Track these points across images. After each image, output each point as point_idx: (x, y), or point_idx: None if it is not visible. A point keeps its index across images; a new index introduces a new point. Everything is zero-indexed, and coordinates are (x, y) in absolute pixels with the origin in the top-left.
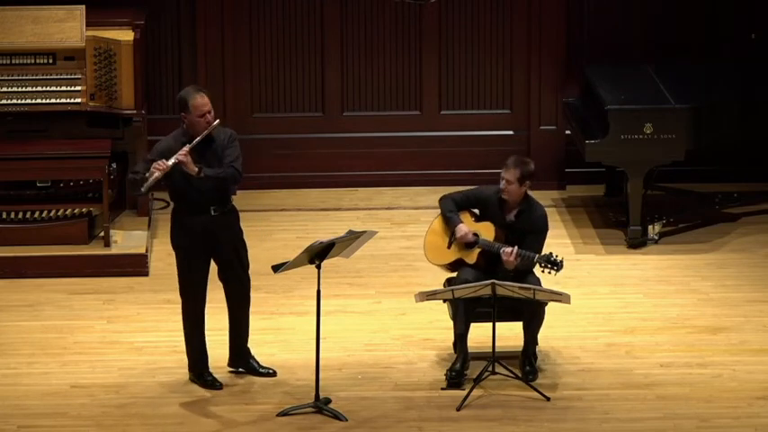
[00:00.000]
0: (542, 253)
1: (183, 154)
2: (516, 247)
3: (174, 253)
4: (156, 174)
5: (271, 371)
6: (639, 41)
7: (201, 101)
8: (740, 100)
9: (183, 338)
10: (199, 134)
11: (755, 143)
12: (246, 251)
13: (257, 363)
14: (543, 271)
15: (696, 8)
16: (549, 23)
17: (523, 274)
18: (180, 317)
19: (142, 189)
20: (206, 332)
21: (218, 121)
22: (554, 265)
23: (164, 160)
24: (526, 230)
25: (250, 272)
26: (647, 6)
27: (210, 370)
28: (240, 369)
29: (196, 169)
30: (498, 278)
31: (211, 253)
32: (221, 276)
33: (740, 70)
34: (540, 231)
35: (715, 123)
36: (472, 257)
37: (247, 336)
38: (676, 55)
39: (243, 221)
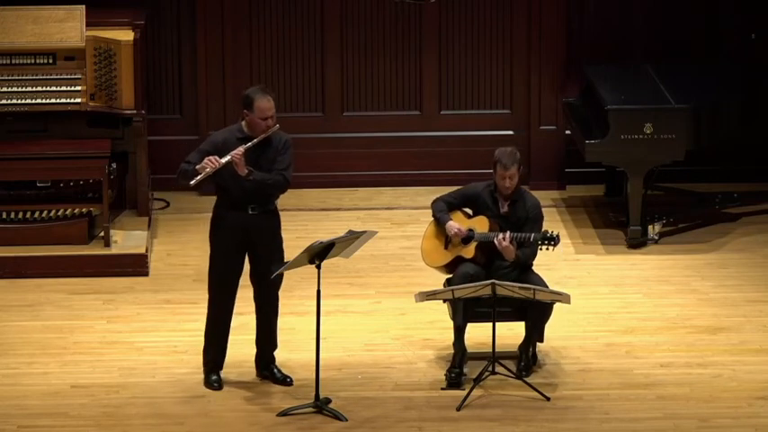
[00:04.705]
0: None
1: (238, 155)
2: (509, 232)
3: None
4: (208, 170)
5: (288, 379)
6: (639, 41)
7: (267, 104)
8: (740, 100)
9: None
10: (256, 134)
11: (755, 143)
12: (282, 258)
13: (278, 370)
14: (541, 248)
15: (696, 8)
16: (549, 23)
17: (525, 266)
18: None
19: (191, 182)
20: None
21: (277, 126)
22: (551, 240)
23: (217, 157)
24: (522, 219)
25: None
26: (647, 6)
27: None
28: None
29: (246, 171)
30: (499, 274)
31: (245, 252)
32: (251, 277)
33: (740, 70)
34: (537, 218)
35: (715, 123)
36: (470, 252)
37: (271, 344)
38: (676, 55)
39: None
